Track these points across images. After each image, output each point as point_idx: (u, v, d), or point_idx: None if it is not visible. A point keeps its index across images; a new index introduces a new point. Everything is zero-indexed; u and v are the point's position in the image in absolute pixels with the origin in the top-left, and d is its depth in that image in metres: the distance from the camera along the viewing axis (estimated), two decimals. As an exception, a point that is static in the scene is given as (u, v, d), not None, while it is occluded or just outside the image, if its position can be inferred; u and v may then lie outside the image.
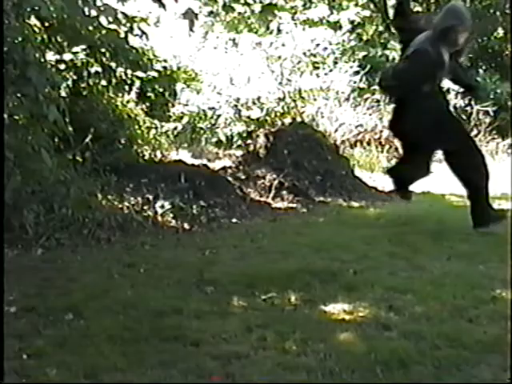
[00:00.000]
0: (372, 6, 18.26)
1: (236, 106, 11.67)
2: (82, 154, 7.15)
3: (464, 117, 13.25)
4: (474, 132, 12.74)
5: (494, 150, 12.64)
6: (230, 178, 8.27)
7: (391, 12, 18.20)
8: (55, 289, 4.71)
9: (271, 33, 13.38)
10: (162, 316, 4.15)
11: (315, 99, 12.10)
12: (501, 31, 18.15)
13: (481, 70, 15.41)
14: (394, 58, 14.59)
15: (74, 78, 7.93)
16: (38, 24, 7.05)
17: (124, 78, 8.20)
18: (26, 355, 3.55)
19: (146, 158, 8.50)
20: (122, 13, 7.73)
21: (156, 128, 9.23)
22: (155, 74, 8.97)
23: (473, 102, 13.30)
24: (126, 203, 6.88)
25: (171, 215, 6.87)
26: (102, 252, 5.86)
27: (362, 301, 4.38)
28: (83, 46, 7.76)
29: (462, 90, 13.57)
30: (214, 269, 5.24)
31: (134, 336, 3.81)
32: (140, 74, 8.44)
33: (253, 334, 3.88)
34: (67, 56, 7.76)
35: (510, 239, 5.63)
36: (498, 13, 17.97)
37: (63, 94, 7.27)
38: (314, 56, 13.36)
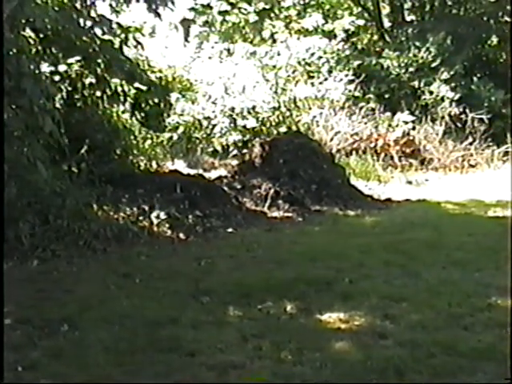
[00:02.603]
0: (366, 15, 18.32)
1: (231, 115, 11.68)
2: (78, 165, 7.14)
3: (459, 124, 13.29)
4: (470, 139, 12.78)
5: (490, 157, 12.65)
6: (225, 188, 8.27)
7: (385, 21, 18.31)
8: (51, 300, 4.70)
9: (266, 42, 13.40)
10: (158, 326, 4.15)
11: (310, 108, 12.12)
12: (495, 39, 18.19)
13: (475, 78, 15.42)
14: (388, 67, 14.63)
15: (69, 89, 7.93)
16: (33, 35, 7.05)
17: (119, 88, 8.18)
18: (21, 367, 3.55)
19: (142, 168, 8.49)
20: (117, 23, 7.75)
21: (151, 138, 9.24)
22: (150, 85, 8.95)
23: (467, 110, 13.32)
24: (122, 214, 6.88)
25: (167, 225, 6.87)
26: (98, 263, 5.85)
27: (358, 309, 4.39)
28: (78, 57, 7.75)
29: (457, 97, 13.72)
30: (209, 278, 5.24)
31: (129, 347, 3.80)
32: (135, 84, 8.43)
33: (248, 344, 3.88)
34: (62, 67, 7.76)
35: (510, 246, 5.64)
36: (491, 21, 18.02)
37: (58, 105, 7.27)
38: (309, 65, 13.39)
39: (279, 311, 4.42)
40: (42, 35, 7.17)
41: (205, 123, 11.89)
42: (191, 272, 5.47)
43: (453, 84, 14.21)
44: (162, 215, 6.95)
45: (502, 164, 12.56)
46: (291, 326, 4.17)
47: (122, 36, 7.99)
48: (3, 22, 5.05)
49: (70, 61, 7.80)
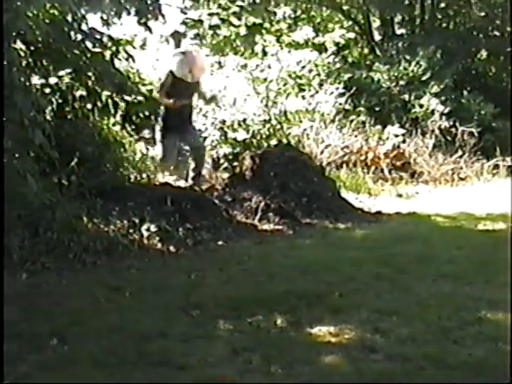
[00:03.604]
0: (357, 28, 18.42)
1: (222, 128, 11.69)
2: (68, 178, 7.12)
3: (449, 138, 13.34)
4: (459, 153, 12.83)
5: (479, 170, 12.70)
6: (216, 201, 8.26)
7: (376, 34, 18.42)
8: (40, 313, 4.68)
9: (256, 55, 13.43)
10: (148, 340, 4.14)
11: (301, 121, 12.14)
12: (484, 53, 18.30)
13: (465, 92, 15.50)
14: (378, 80, 14.69)
15: (60, 101, 7.92)
16: (24, 48, 7.05)
17: (109, 101, 8.18)
18: (10, 381, 3.52)
19: (132, 180, 8.48)
20: (108, 36, 7.76)
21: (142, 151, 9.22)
22: (141, 97, 8.97)
23: (457, 123, 13.39)
24: (112, 226, 6.86)
25: (157, 238, 6.85)
26: (88, 276, 5.83)
27: (348, 323, 4.39)
28: (68, 70, 7.75)
29: (446, 111, 13.79)
30: (200, 292, 5.23)
31: (119, 361, 3.79)
32: (126, 97, 8.44)
33: (239, 358, 3.87)
34: (53, 80, 7.75)
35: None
36: (481, 35, 18.14)
37: (48, 117, 7.25)
38: (300, 78, 13.42)
39: (269, 324, 4.42)
40: (32, 48, 7.17)
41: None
42: (181, 285, 5.46)
43: (443, 97, 14.27)
44: (153, 228, 6.93)
45: (491, 177, 12.61)
46: (281, 339, 4.17)
47: (113, 49, 7.99)
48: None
49: (60, 73, 7.79)
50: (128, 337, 4.18)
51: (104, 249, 6.41)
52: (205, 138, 11.55)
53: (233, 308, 4.73)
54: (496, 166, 12.88)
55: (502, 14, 18.10)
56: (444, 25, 18.35)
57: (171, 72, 9.07)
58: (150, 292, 5.26)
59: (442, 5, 18.35)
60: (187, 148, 9.59)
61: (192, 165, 9.52)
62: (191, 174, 9.37)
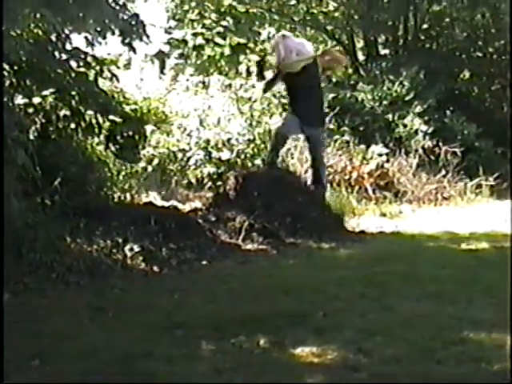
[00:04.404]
0: (341, 48, 18.50)
1: (206, 147, 11.69)
2: (51, 197, 7.11)
3: (432, 157, 13.40)
4: (443, 172, 12.88)
5: (463, 189, 12.75)
6: (200, 220, 8.25)
7: (360, 54, 18.52)
8: (22, 334, 4.65)
9: (241, 75, 13.46)
10: (132, 360, 4.12)
11: (285, 141, 12.14)
12: (467, 73, 18.43)
13: (448, 112, 15.59)
14: (362, 100, 14.75)
15: (43, 121, 7.91)
16: (7, 67, 7.05)
17: (93, 121, 8.17)
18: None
19: (116, 200, 8.46)
20: (92, 56, 7.78)
21: (126, 170, 9.22)
22: (125, 117, 8.96)
23: (441, 143, 13.45)
24: (95, 246, 6.84)
25: (141, 258, 6.83)
26: (71, 296, 5.80)
27: (332, 343, 4.38)
28: (52, 90, 7.75)
29: (430, 130, 13.86)
30: (183, 312, 5.22)
31: (103, 381, 3.77)
32: (110, 116, 8.43)
33: (221, 378, 3.86)
34: (36, 99, 7.75)
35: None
36: (464, 56, 18.27)
37: (32, 137, 7.25)
38: (284, 98, 13.45)
39: (252, 345, 4.40)
40: (16, 67, 7.17)
41: (180, 155, 11.89)
42: (165, 305, 5.44)
43: (426, 117, 14.34)
44: (136, 248, 6.92)
45: (474, 197, 12.67)
46: (264, 360, 4.15)
47: (97, 68, 8.01)
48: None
49: (44, 93, 7.79)
50: (111, 357, 4.16)
51: (87, 269, 6.39)
52: (188, 158, 11.56)
53: (216, 328, 4.72)
54: (479, 186, 12.93)
55: (485, 35, 18.29)
56: (427, 45, 18.48)
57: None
58: (134, 312, 5.24)
59: (425, 26, 18.50)
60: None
61: (309, 161, 9.76)
62: (310, 176, 9.60)
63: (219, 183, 10.31)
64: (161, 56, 8.79)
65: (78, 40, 7.62)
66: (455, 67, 17.91)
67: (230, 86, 13.08)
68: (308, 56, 9.24)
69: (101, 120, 8.21)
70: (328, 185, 9.82)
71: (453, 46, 18.40)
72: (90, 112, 8.10)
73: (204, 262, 7.09)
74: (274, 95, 13.20)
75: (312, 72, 9.23)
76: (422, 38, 18.43)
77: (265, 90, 10.35)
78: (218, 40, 14.99)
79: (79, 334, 4.64)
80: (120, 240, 6.97)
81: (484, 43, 18.43)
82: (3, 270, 4.37)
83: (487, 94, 18.37)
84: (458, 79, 18.15)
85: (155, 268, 6.75)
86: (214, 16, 15.97)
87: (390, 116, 14.48)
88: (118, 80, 8.68)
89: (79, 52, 7.53)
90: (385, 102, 14.67)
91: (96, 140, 8.56)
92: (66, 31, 7.26)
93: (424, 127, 13.94)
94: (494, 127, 16.19)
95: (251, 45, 15.41)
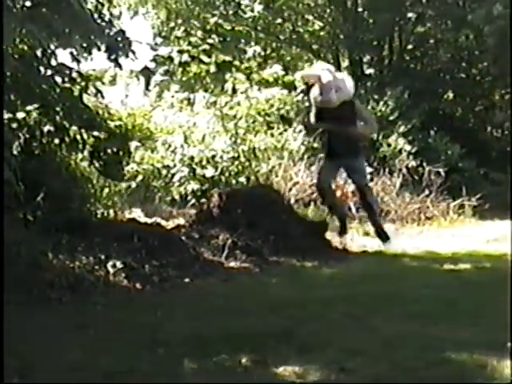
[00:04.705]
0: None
1: (190, 164, 11.69)
2: (34, 213, 7.07)
3: (416, 177, 13.45)
4: (426, 192, 12.93)
5: (445, 210, 12.80)
6: (183, 237, 8.23)
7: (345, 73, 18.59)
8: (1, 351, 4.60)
9: (226, 92, 13.49)
10: (113, 378, 4.09)
11: (269, 158, 12.18)
12: (451, 94, 18.58)
13: (432, 132, 15.69)
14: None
15: (27, 136, 7.88)
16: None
17: (78, 136, 8.14)
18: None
19: (99, 216, 8.43)
20: (77, 72, 7.77)
21: (109, 186, 9.19)
22: (109, 133, 8.93)
23: (424, 163, 13.51)
24: (78, 262, 6.80)
25: (123, 275, 6.80)
26: (53, 313, 5.75)
27: (314, 363, 4.36)
28: (36, 105, 7.72)
29: (414, 150, 13.93)
30: (165, 329, 5.19)
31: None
32: (94, 132, 8.41)
33: (203, 398, 3.83)
34: (20, 114, 7.72)
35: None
36: (448, 76, 18.42)
37: (15, 152, 7.22)
38: (269, 116, 13.49)
39: (235, 364, 4.38)
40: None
41: (164, 172, 11.88)
42: (147, 322, 5.41)
43: (410, 137, 14.43)
44: (119, 264, 6.88)
45: (457, 217, 12.72)
46: (246, 379, 4.13)
47: (82, 84, 7.99)
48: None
49: (28, 108, 7.77)
50: (92, 375, 4.13)
51: (69, 285, 6.35)
52: (173, 175, 11.55)
53: (198, 346, 4.69)
54: (461, 206, 12.99)
55: (468, 57, 18.45)
56: (412, 66, 18.64)
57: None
58: (116, 329, 5.21)
59: (410, 46, 18.66)
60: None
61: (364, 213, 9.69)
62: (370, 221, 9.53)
63: (203, 200, 10.29)
64: (146, 72, 8.77)
65: (63, 55, 7.61)
66: (439, 88, 18.09)
67: (215, 103, 13.10)
68: (349, 95, 9.17)
69: (85, 136, 8.17)
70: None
71: (437, 66, 18.58)
72: (74, 128, 8.06)
73: (187, 280, 7.06)
74: (259, 113, 13.24)
75: (349, 105, 9.17)
76: (407, 58, 18.60)
77: (310, 133, 9.99)
78: (203, 57, 15.01)
79: (60, 352, 4.59)
80: (103, 256, 6.94)
81: (468, 65, 18.62)
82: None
83: (471, 114, 18.54)
84: (441, 100, 18.31)
85: (138, 285, 6.72)
86: (200, 33, 16.01)
87: (374, 135, 14.53)
88: (102, 96, 8.67)
89: (64, 67, 7.51)
90: (369, 122, 14.71)
91: (80, 156, 8.53)
92: (52, 47, 7.24)
93: (408, 147, 14.02)
94: (477, 148, 16.35)
95: (237, 63, 15.45)
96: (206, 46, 15.31)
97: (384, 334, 5.06)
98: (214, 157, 11.72)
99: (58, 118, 7.88)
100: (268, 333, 5.00)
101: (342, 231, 9.38)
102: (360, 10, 18.24)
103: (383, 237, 9.23)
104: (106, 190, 9.06)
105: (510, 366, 3.43)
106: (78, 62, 7.53)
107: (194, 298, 6.34)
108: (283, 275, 7.48)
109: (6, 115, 7.46)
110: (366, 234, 10.60)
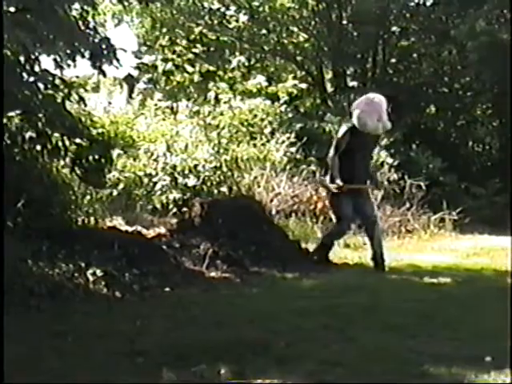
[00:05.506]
0: (310, 79, 18.68)
1: (172, 173, 11.67)
2: (14, 219, 7.03)
3: (397, 190, 13.50)
4: (407, 205, 12.97)
5: (426, 223, 12.85)
6: (164, 246, 8.21)
7: (328, 85, 18.69)
8: (-21, 359, 4.57)
9: (209, 102, 13.49)
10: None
11: (252, 169, 12.19)
12: (433, 108, 18.69)
13: (414, 145, 15.77)
14: (330, 131, 14.83)
15: (8, 142, 7.83)
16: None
17: (59, 143, 8.09)
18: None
19: (80, 224, 8.39)
20: (60, 78, 7.74)
21: (91, 194, 9.16)
22: (91, 140, 8.90)
23: (406, 176, 13.56)
24: (58, 270, 6.76)
25: (103, 283, 6.77)
26: (31, 320, 5.71)
27: (293, 374, 4.36)
28: (18, 111, 7.68)
29: (396, 163, 13.97)
30: (145, 339, 5.17)
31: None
32: (76, 139, 8.37)
33: (182, 408, 3.82)
34: (2, 120, 7.68)
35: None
36: (430, 90, 18.53)
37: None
38: (252, 126, 13.50)
39: (213, 374, 4.37)
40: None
41: (146, 180, 11.85)
42: (126, 331, 5.38)
43: (392, 150, 14.47)
44: (99, 272, 6.85)
45: (437, 230, 12.77)
46: (225, 390, 4.12)
47: (65, 91, 7.96)
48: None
49: (10, 114, 7.73)
50: (70, 384, 4.10)
51: (48, 292, 6.31)
52: (154, 183, 11.52)
53: (177, 356, 4.68)
54: (442, 220, 13.05)
55: (451, 71, 18.58)
56: (395, 79, 18.72)
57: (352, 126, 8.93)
58: (94, 338, 5.17)
59: (393, 60, 18.77)
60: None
61: (367, 241, 9.21)
62: (370, 254, 8.99)
63: (184, 209, 10.27)
64: (130, 80, 8.77)
65: (46, 62, 7.59)
66: (422, 101, 18.19)
67: (198, 112, 13.10)
68: (389, 126, 9.24)
69: (67, 143, 8.13)
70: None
71: (420, 80, 18.68)
72: (56, 134, 8.01)
73: (167, 289, 7.04)
74: (242, 123, 13.25)
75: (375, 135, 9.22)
76: (390, 71, 18.69)
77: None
78: (187, 67, 15.02)
79: (37, 361, 4.56)
80: (83, 264, 6.90)
81: (450, 79, 18.74)
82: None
83: (452, 129, 18.64)
84: (424, 113, 18.42)
85: (117, 293, 6.69)
86: (184, 43, 16.02)
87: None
88: (84, 103, 8.64)
89: (47, 74, 7.48)
90: (352, 134, 14.75)
91: (61, 162, 8.48)
92: (36, 53, 7.22)
93: (390, 160, 14.05)
94: (458, 162, 16.45)
95: (221, 72, 15.47)
96: (191, 56, 15.32)
97: (363, 346, 5.07)
98: (196, 166, 11.71)
99: (40, 124, 7.83)
100: (247, 343, 4.99)
101: (324, 258, 9.03)
102: (344, 22, 18.34)
103: (380, 266, 8.79)
104: (88, 197, 9.02)
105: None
106: (62, 68, 7.50)
107: (174, 308, 6.31)
108: (264, 286, 7.47)
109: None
110: (347, 245, 10.62)
